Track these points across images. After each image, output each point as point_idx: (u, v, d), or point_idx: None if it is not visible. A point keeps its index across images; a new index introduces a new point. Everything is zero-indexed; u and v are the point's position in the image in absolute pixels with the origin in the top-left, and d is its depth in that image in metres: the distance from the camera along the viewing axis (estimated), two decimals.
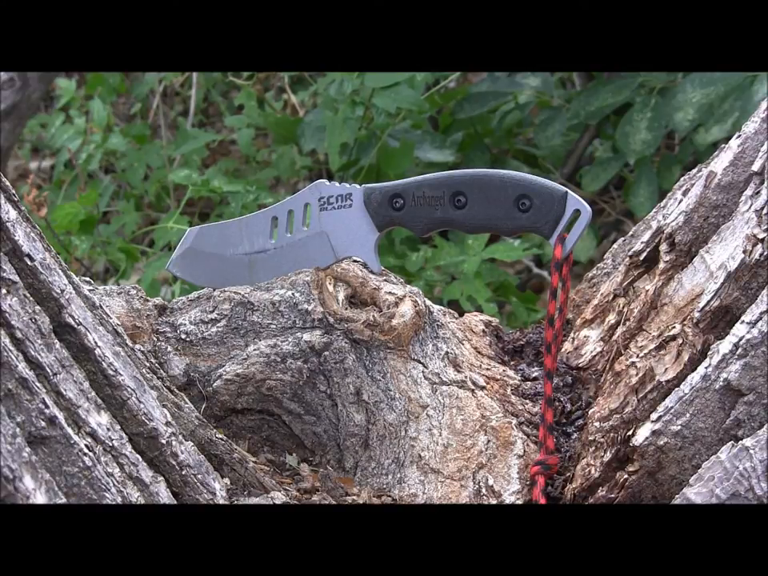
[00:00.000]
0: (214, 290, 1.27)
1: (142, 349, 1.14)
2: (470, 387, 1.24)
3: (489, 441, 1.21)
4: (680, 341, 1.14)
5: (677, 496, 1.09)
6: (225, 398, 1.23)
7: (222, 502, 1.09)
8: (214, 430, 1.15)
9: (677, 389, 1.11)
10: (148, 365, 1.12)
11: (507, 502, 1.18)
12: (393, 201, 1.22)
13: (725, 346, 1.09)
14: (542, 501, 1.16)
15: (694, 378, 1.10)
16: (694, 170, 1.32)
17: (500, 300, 2.55)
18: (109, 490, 0.97)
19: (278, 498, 1.12)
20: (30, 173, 3.37)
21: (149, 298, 1.27)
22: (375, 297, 1.25)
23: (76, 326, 1.02)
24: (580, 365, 1.29)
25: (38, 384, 0.94)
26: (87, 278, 1.22)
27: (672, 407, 1.11)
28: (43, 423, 0.93)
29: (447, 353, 1.25)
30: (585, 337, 1.31)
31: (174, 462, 1.06)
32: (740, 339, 1.08)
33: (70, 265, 2.31)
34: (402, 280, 1.30)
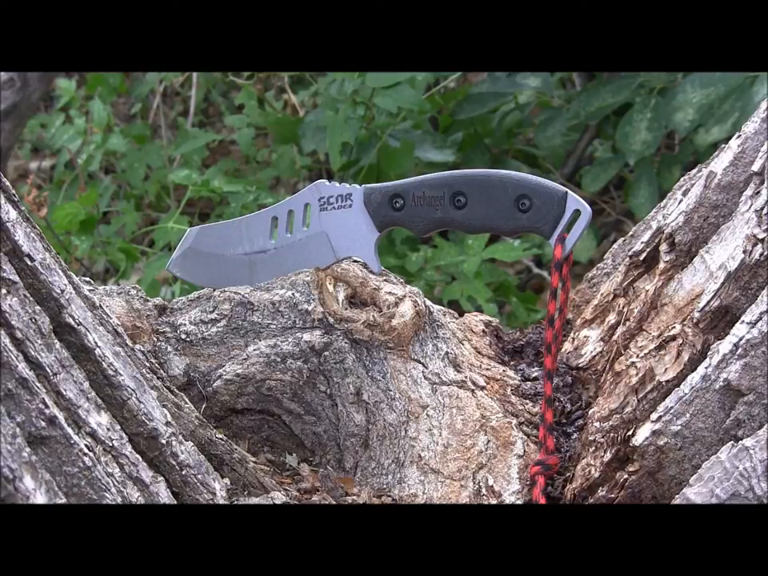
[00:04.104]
0: (214, 290, 1.27)
1: (142, 349, 1.14)
2: (470, 387, 1.24)
3: (489, 441, 1.21)
4: (680, 341, 1.14)
5: (677, 496, 1.09)
6: (225, 398, 1.23)
7: (221, 502, 1.09)
8: (214, 430, 1.15)
9: (677, 389, 1.11)
10: (148, 365, 1.12)
11: (507, 502, 1.18)
12: (393, 201, 1.22)
13: (725, 346, 1.09)
14: (542, 501, 1.16)
15: (694, 378, 1.10)
16: (694, 170, 1.32)
17: (500, 300, 2.55)
18: (109, 490, 0.97)
19: (278, 498, 1.12)
20: (30, 173, 3.38)
21: (149, 298, 1.27)
22: (375, 297, 1.25)
23: (76, 326, 1.02)
24: (580, 365, 1.29)
25: (38, 384, 0.94)
26: (87, 278, 1.22)
27: (672, 407, 1.11)
28: (43, 423, 0.93)
29: (447, 353, 1.25)
30: (585, 337, 1.31)
31: (174, 462, 1.06)
32: (740, 339, 1.08)
33: (70, 265, 2.31)
34: (401, 280, 1.30)
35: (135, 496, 1.00)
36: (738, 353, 1.08)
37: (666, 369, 1.14)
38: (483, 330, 1.33)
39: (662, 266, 1.23)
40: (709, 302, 1.13)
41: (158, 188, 3.03)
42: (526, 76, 2.77)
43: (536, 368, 1.30)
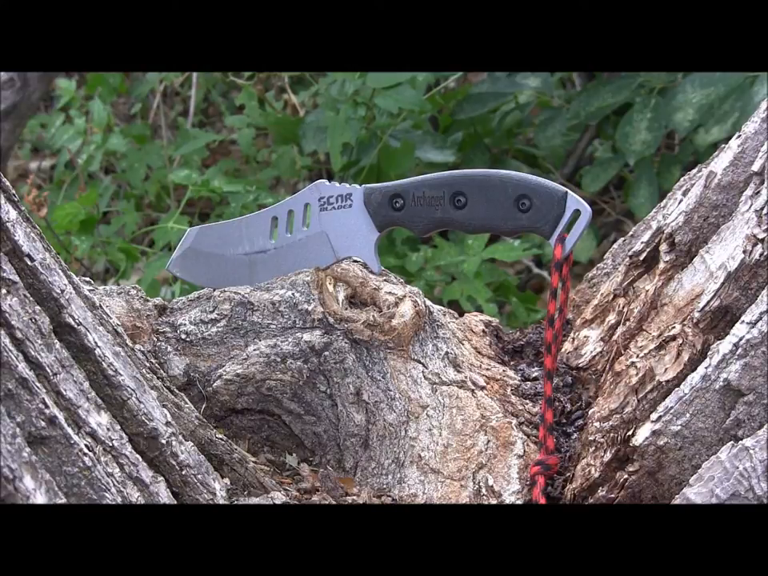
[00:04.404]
0: (214, 290, 1.27)
1: (142, 349, 1.14)
2: (469, 387, 1.24)
3: (489, 441, 1.21)
4: (680, 341, 1.14)
5: (677, 496, 1.09)
6: (225, 398, 1.23)
7: (221, 502, 1.09)
8: (214, 430, 1.15)
9: (677, 389, 1.11)
10: (148, 365, 1.12)
11: (507, 502, 1.18)
12: (393, 201, 1.22)
13: (725, 346, 1.09)
14: (542, 501, 1.16)
15: (694, 378, 1.10)
16: (694, 170, 1.32)
17: (500, 300, 2.55)
18: (109, 490, 0.97)
19: (278, 498, 1.12)
20: (30, 173, 3.38)
21: (149, 298, 1.27)
22: (375, 297, 1.25)
23: (76, 326, 1.02)
24: (580, 365, 1.29)
25: (38, 384, 0.94)
26: (87, 278, 1.22)
27: (672, 407, 1.11)
28: (43, 423, 0.93)
29: (447, 353, 1.25)
30: (585, 337, 1.31)
31: (174, 462, 1.06)
32: (740, 339, 1.08)
33: (70, 265, 2.31)
34: (401, 280, 1.30)
35: (135, 496, 1.00)
36: (737, 353, 1.08)
37: (665, 369, 1.14)
38: (483, 330, 1.33)
39: (661, 265, 1.23)
40: (709, 301, 1.13)
41: (158, 188, 3.03)
42: (526, 76, 2.77)
43: (536, 368, 1.30)
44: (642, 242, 1.28)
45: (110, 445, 1.00)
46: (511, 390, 1.27)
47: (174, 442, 1.06)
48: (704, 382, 1.09)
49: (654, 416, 1.12)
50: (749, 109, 2.25)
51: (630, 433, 1.14)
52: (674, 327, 1.16)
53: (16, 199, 1.03)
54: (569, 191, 1.16)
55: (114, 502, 0.97)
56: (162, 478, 1.05)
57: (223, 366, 1.23)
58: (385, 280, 1.27)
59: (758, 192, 1.14)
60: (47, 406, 0.94)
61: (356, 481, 1.22)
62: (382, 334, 1.23)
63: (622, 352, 1.22)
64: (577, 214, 1.16)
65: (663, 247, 1.24)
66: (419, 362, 1.24)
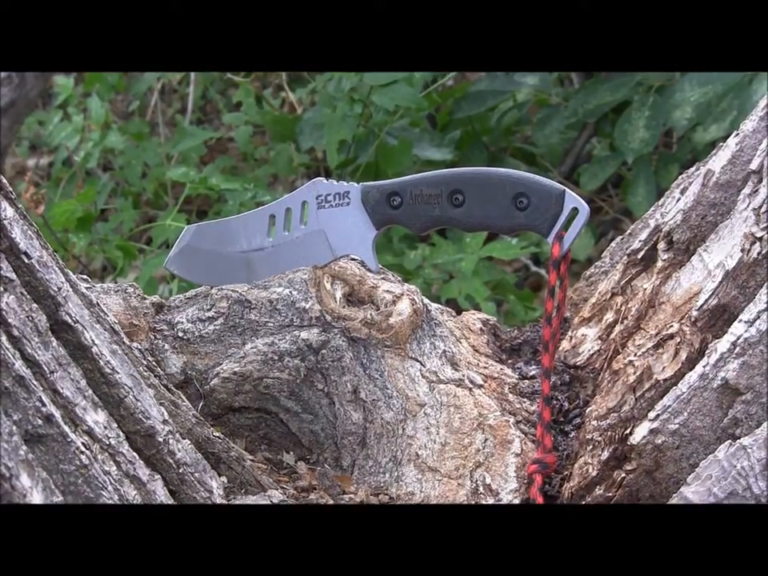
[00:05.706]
0: (212, 287, 1.27)
1: (139, 347, 1.14)
2: (467, 385, 1.24)
3: (486, 439, 1.21)
4: (678, 339, 1.14)
5: (674, 495, 1.09)
6: (222, 396, 1.23)
7: (219, 500, 1.09)
8: (211, 428, 1.15)
9: (675, 387, 1.11)
10: (145, 363, 1.12)
11: (504, 500, 1.18)
12: (390, 199, 1.22)
13: (723, 344, 1.09)
14: (540, 499, 1.16)
15: (692, 376, 1.10)
16: (692, 169, 1.31)
17: (498, 298, 2.55)
18: (106, 488, 0.97)
19: (275, 496, 1.12)
20: (27, 170, 3.38)
21: (146, 296, 1.26)
22: (373, 295, 1.25)
23: (73, 323, 1.02)
24: (578, 363, 1.29)
25: (35, 382, 0.94)
26: (84, 276, 1.22)
27: (670, 406, 1.11)
28: (40, 421, 0.93)
29: (445, 351, 1.25)
30: (582, 335, 1.31)
31: (171, 460, 1.06)
32: (738, 338, 1.08)
33: (67, 262, 2.31)
34: (399, 278, 1.30)
35: (132, 494, 1.00)
36: (735, 351, 1.08)
37: (663, 367, 1.14)
38: (481, 328, 1.33)
39: (659, 264, 1.23)
40: (707, 300, 1.13)
41: (155, 185, 3.03)
42: (524, 74, 2.77)
43: (534, 366, 1.30)
44: (639, 241, 1.28)
45: (107, 443, 1.00)
46: (509, 388, 1.27)
47: (171, 440, 1.06)
48: (702, 381, 1.09)
49: (651, 415, 1.12)
50: (747, 107, 2.25)
51: (627, 431, 1.14)
52: (671, 326, 1.15)
53: (13, 196, 1.02)
54: (567, 189, 1.16)
55: (110, 501, 0.97)
56: (158, 476, 1.04)
57: (220, 364, 1.23)
58: (382, 278, 1.27)
59: (756, 190, 1.14)
60: (44, 404, 0.93)
61: (353, 479, 1.22)
62: (380, 332, 1.22)
63: (620, 350, 1.21)
64: (575, 212, 1.16)
65: (661, 245, 1.24)
66: (417, 361, 1.24)
